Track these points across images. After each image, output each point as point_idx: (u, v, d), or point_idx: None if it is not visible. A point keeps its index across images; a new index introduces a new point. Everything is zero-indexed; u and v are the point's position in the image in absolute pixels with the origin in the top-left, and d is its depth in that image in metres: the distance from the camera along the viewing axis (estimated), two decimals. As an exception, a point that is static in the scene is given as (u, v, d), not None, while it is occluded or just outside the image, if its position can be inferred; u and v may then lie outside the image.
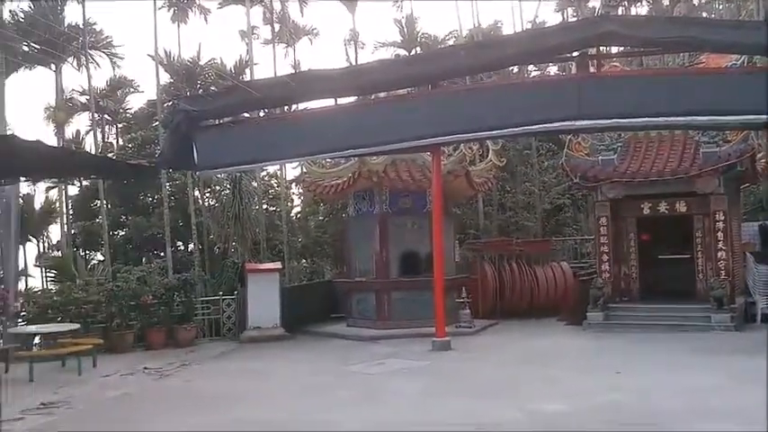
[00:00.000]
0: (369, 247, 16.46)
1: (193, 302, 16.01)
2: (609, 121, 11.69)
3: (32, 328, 13.02)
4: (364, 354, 13.06)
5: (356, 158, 15.37)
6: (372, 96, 14.43)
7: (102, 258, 26.53)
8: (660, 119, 11.36)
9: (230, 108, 13.16)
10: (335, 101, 14.30)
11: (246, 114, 14.81)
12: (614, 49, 15.19)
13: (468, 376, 10.62)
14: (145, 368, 12.10)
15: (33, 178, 15.08)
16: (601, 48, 12.40)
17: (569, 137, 16.74)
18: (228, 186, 19.61)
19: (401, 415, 8.05)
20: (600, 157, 16.39)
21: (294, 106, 14.90)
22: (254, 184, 21.90)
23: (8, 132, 9.90)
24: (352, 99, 14.19)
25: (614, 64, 15.95)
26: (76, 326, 12.70)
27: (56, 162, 11.75)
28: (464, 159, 16.17)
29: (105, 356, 13.01)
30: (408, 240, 16.26)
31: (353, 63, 25.22)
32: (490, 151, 17.90)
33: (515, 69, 22.22)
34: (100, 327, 14.22)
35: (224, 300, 16.49)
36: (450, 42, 27.42)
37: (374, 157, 15.20)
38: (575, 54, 12.34)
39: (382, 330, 15.37)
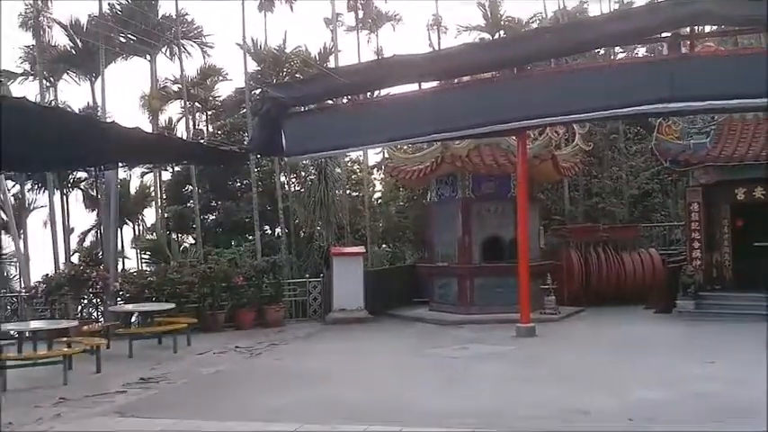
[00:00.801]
0: (451, 233, 16.47)
1: (281, 284, 16.48)
2: (703, 103, 11.22)
3: (130, 307, 13.71)
4: (447, 338, 13.14)
5: (439, 143, 15.39)
6: (456, 81, 14.38)
7: (192, 241, 27.63)
8: (757, 100, 10.86)
9: (317, 95, 13.41)
10: (419, 86, 14.33)
11: (332, 101, 15.05)
12: (707, 29, 14.57)
13: (554, 362, 10.49)
14: (236, 347, 12.57)
15: (130, 164, 15.77)
16: (693, 28, 11.94)
17: (659, 120, 16.21)
18: (314, 172, 19.98)
19: (486, 399, 8.07)
20: (691, 141, 15.80)
21: (378, 92, 15.08)
22: (338, 170, 22.24)
23: (109, 120, 10.40)
24: (435, 84, 14.19)
25: (708, 44, 15.32)
26: (171, 305, 13.29)
27: (153, 148, 12.29)
28: (550, 143, 15.91)
29: (198, 335, 13.53)
30: (491, 225, 16.17)
31: (436, 48, 25.09)
32: (576, 135, 17.55)
33: (602, 52, 21.62)
34: (193, 307, 14.84)
35: (310, 282, 16.91)
36: (535, 25, 26.90)
37: (457, 142, 15.17)
38: (664, 35, 11.93)
39: (465, 315, 15.39)
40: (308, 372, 10.12)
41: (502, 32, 28.05)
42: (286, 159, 19.62)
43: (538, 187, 18.42)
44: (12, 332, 12.28)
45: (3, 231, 24.12)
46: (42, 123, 9.93)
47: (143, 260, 27.04)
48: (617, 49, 23.63)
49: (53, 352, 10.49)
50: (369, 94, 14.98)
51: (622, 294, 17.25)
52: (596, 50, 19.92)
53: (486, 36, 28.08)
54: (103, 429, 7.00)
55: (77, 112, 15.36)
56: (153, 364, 11.04)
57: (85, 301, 15.89)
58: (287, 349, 12.60)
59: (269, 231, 25.66)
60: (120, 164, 14.65)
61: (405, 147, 18.14)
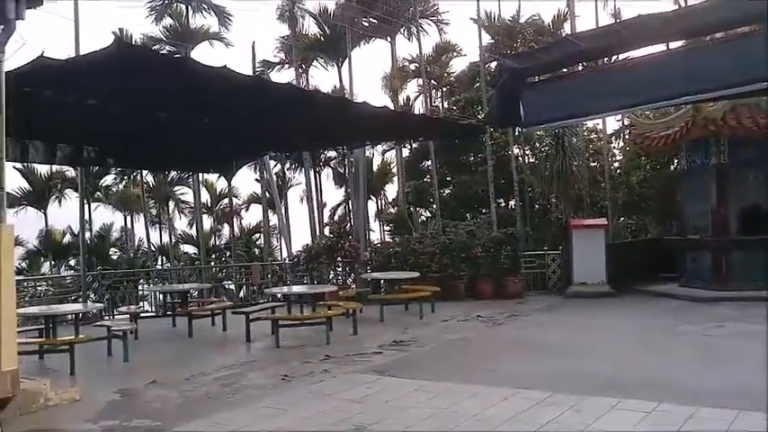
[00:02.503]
0: (703, 203, 15.30)
1: (519, 256, 16.56)
2: None
3: (380, 275, 14.65)
4: (699, 315, 12.33)
5: (689, 106, 14.32)
6: (708, 38, 13.28)
7: (428, 215, 28.68)
8: None
9: (556, 62, 13.02)
10: (667, 46, 13.46)
11: (571, 68, 14.67)
12: None
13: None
14: (478, 316, 12.92)
15: (377, 141, 16.73)
16: None
17: None
18: (551, 142, 19.65)
19: (750, 378, 7.50)
20: None
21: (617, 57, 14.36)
22: (574, 139, 21.64)
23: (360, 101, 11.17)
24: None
25: None
26: (416, 274, 13.98)
27: (398, 125, 12.99)
28: (823, 101, 14.10)
29: (440, 303, 14.06)
30: (750, 194, 14.77)
31: (682, 5, 23.22)
32: None
33: None
34: (434, 276, 15.47)
35: (549, 254, 16.79)
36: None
37: (710, 104, 14.01)
38: None
39: (719, 292, 14.26)
40: (551, 343, 10.14)
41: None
42: (524, 130, 19.50)
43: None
44: (278, 295, 13.80)
45: (268, 207, 26.97)
46: (304, 106, 10.95)
47: (386, 232, 28.65)
48: None
49: (317, 314, 11.60)
50: (607, 59, 14.30)
51: None
52: None
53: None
54: (367, 385, 7.62)
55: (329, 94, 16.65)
56: (402, 328, 11.75)
57: (339, 269, 17.30)
58: (528, 320, 12.68)
59: (503, 204, 25.80)
60: (368, 142, 15.64)
61: (649, 112, 17.18)
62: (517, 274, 16.15)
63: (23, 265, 35.56)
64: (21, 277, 29.28)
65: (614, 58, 14.43)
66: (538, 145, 24.90)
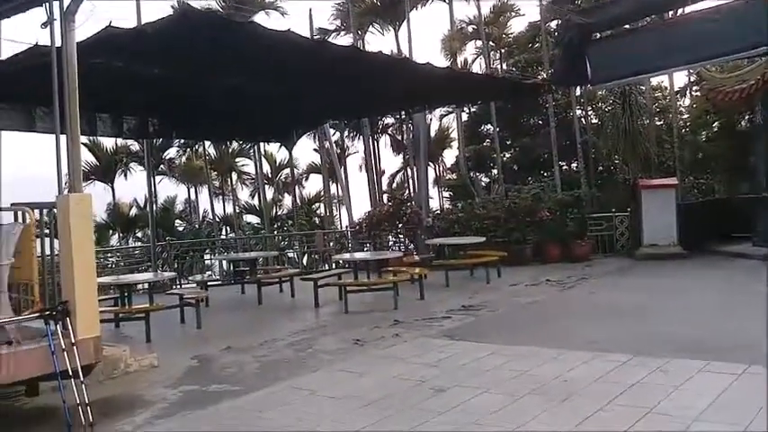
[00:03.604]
0: (781, 158, 14.64)
1: (586, 219, 16.18)
2: None
3: (445, 240, 14.52)
4: (778, 275, 11.83)
5: (765, 58, 13.62)
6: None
7: (488, 180, 28.31)
8: None
9: (624, 17, 12.67)
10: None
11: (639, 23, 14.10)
12: None
13: None
14: (547, 280, 12.70)
15: (439, 103, 16.41)
16: None
17: None
18: (616, 101, 19.02)
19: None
20: None
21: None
22: (641, 97, 20.90)
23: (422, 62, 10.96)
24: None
25: None
26: (482, 239, 13.80)
27: (461, 85, 12.73)
28: None
29: (506, 268, 13.87)
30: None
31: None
32: None
33: None
34: (499, 241, 15.27)
35: (617, 216, 16.35)
36: None
37: (791, 55, 13.28)
38: None
39: (799, 251, 13.68)
40: (624, 305, 9.85)
41: None
42: (591, 88, 18.95)
43: None
44: (341, 262, 13.83)
45: (328, 176, 27.05)
46: (365, 69, 10.79)
47: (445, 199, 28.43)
48: None
49: (383, 280, 11.57)
50: (680, 11, 13.72)
51: None
52: None
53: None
54: (440, 350, 7.55)
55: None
56: (469, 293, 11.64)
57: (400, 236, 17.25)
58: (598, 283, 12.40)
59: (565, 167, 25.23)
60: (428, 106, 15.42)
61: (720, 65, 16.44)
62: (584, 236, 15.81)
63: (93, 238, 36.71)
64: (98, 248, 30.36)
65: (685, 9, 13.86)
66: (601, 105, 24.18)
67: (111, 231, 36.80)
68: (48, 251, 6.49)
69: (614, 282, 12.66)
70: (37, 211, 6.34)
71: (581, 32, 12.62)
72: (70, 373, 5.67)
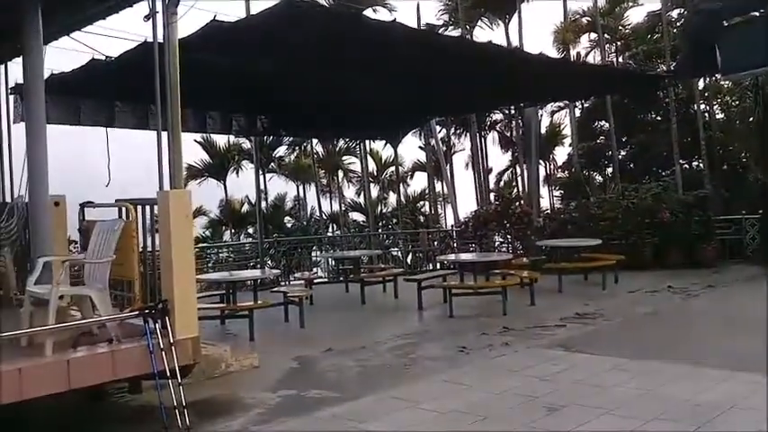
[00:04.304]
0: None
1: (712, 221, 14.94)
2: None
3: (559, 242, 13.73)
4: None
5: None
6: None
7: (599, 179, 27.05)
8: None
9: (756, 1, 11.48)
10: None
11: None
12: None
13: None
14: (669, 287, 11.72)
15: (548, 99, 15.59)
16: None
17: None
18: (748, 93, 17.52)
19: None
20: None
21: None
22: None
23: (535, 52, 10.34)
24: None
25: None
26: (598, 241, 12.92)
27: (577, 76, 11.98)
28: None
29: (623, 273, 12.92)
30: None
31: None
32: None
33: None
34: (615, 243, 14.31)
35: (747, 219, 15.00)
36: None
37: None
38: None
39: None
40: (760, 318, 8.79)
41: None
42: (723, 79, 17.57)
43: None
44: (446, 263, 13.37)
45: (433, 174, 26.66)
46: (475, 61, 10.29)
47: (555, 198, 27.40)
48: None
49: (491, 283, 11.03)
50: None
51: None
52: None
53: None
54: (554, 362, 6.98)
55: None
56: (584, 300, 10.88)
57: (509, 236, 16.59)
58: (728, 292, 11.35)
59: (686, 166, 23.66)
60: (541, 100, 14.70)
61: None
62: (711, 240, 14.57)
63: (207, 233, 38.00)
64: (205, 244, 31.37)
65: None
66: (728, 98, 22.50)
67: (223, 227, 37.96)
68: (150, 248, 6.43)
69: (745, 291, 11.52)
70: (140, 208, 6.27)
71: (710, 19, 11.56)
72: (168, 374, 5.55)
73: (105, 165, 8.87)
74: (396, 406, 5.82)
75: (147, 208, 6.22)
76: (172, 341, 5.68)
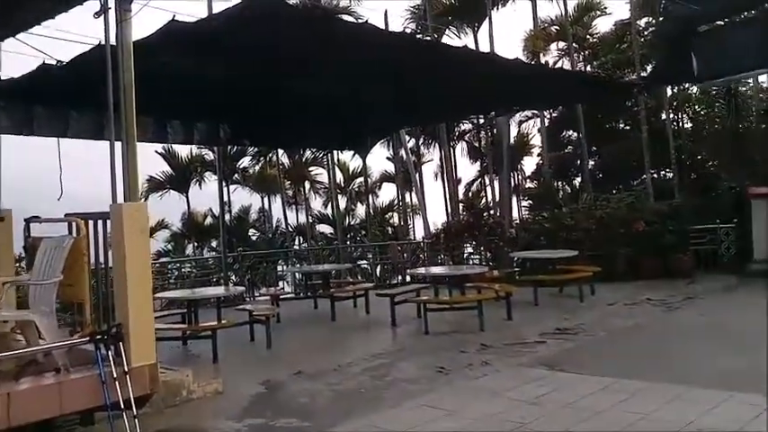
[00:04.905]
0: None
1: (686, 230, 14.75)
2: None
3: (531, 254, 13.42)
4: None
5: None
6: None
7: (569, 190, 26.93)
8: None
9: (736, 4, 11.38)
10: None
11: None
12: None
13: None
14: (647, 299, 11.44)
15: (525, 105, 15.25)
16: None
17: None
18: (721, 101, 17.46)
19: None
20: None
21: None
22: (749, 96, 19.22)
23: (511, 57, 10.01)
24: None
25: None
26: (575, 252, 12.62)
27: (550, 83, 11.71)
28: None
29: (599, 284, 12.65)
30: None
31: None
32: None
33: None
34: (589, 254, 14.03)
35: (721, 228, 14.86)
36: None
37: None
38: None
39: None
40: (745, 331, 8.55)
41: None
42: (698, 86, 17.48)
43: None
44: (418, 276, 12.96)
45: (402, 185, 26.26)
46: (446, 65, 9.91)
47: (524, 208, 27.16)
48: None
49: (467, 297, 10.63)
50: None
51: None
52: None
53: None
54: (539, 382, 6.57)
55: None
56: (562, 313, 10.55)
57: (482, 248, 16.24)
58: (707, 304, 11.08)
59: (655, 175, 23.61)
60: (513, 108, 14.40)
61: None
62: (685, 250, 14.39)
63: (169, 247, 37.02)
64: (167, 259, 30.51)
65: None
66: (696, 107, 22.51)
67: (186, 240, 37.03)
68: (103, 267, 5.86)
69: (725, 302, 11.34)
70: (92, 223, 5.71)
71: (684, 24, 11.41)
72: (122, 406, 5.01)
73: (58, 177, 8.23)
74: (373, 435, 5.36)
75: (100, 223, 5.63)
76: (126, 369, 5.15)
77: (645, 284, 13.16)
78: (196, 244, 36.22)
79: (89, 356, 5.14)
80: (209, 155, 30.67)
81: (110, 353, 5.13)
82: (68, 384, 4.92)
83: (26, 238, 6.02)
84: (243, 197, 36.69)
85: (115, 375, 5.04)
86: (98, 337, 5.14)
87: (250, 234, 37.14)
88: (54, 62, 8.07)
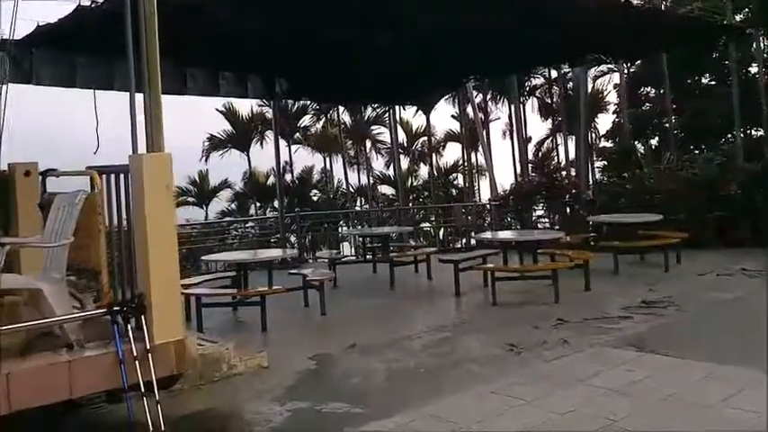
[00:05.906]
0: None
1: (785, 193, 13.28)
2: None
3: (612, 218, 12.27)
4: None
5: None
6: None
7: (642, 150, 25.27)
8: None
9: None
10: None
11: None
12: None
13: None
14: (743, 269, 10.20)
15: (600, 53, 13.83)
16: None
17: None
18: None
19: None
20: None
21: None
22: None
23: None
24: None
25: None
26: (659, 216, 11.40)
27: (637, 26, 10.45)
28: None
29: (686, 252, 11.43)
30: None
31: None
32: None
33: None
34: (673, 219, 12.77)
35: (824, 191, 13.33)
36: None
37: None
38: None
39: None
40: None
41: None
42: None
43: None
44: (485, 242, 12.02)
45: (468, 144, 25.17)
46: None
47: (597, 169, 25.68)
48: None
49: (541, 265, 9.67)
50: None
51: None
52: None
53: None
54: (627, 367, 5.63)
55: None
56: (647, 284, 9.43)
57: (555, 211, 15.16)
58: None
59: (741, 135, 21.81)
60: (592, 56, 13.11)
61: None
62: (782, 215, 12.95)
63: (233, 206, 37.01)
64: (230, 218, 30.43)
65: None
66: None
67: (249, 201, 36.94)
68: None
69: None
70: (113, 177, 5.00)
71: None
72: (142, 389, 4.34)
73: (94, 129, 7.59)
74: (433, 428, 4.55)
75: (122, 177, 4.90)
76: (148, 347, 4.46)
77: (738, 252, 11.86)
78: (258, 204, 36.04)
79: (106, 331, 4.46)
80: (270, 112, 30.20)
81: (129, 327, 4.45)
82: (80, 363, 4.25)
83: (42, 193, 5.37)
84: (305, 157, 36.25)
85: (135, 354, 4.36)
86: (116, 308, 4.46)
87: (312, 195, 36.74)
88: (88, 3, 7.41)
